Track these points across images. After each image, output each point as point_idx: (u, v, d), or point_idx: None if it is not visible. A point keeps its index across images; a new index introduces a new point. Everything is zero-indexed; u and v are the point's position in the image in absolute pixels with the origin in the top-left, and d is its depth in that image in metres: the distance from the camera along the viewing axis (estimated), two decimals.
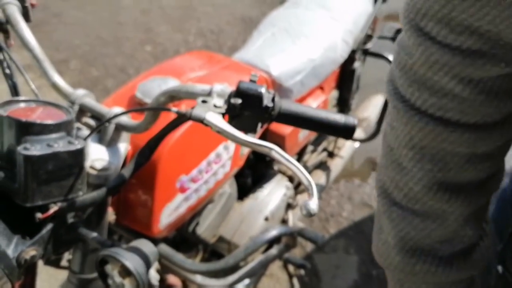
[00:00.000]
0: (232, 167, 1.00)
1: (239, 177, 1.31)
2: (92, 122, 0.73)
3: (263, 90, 0.59)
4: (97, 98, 0.76)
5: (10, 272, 0.54)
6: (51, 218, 0.61)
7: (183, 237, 1.14)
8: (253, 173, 1.37)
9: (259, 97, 0.59)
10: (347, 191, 1.94)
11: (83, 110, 0.74)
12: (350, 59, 1.48)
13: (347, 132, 0.61)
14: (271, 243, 1.24)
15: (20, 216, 0.58)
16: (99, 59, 3.10)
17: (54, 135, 0.57)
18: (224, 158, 0.95)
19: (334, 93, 1.63)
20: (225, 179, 1.00)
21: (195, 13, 3.57)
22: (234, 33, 3.31)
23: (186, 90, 0.61)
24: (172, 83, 0.89)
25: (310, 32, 1.30)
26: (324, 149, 1.76)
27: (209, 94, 0.60)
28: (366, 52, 1.56)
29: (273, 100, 0.60)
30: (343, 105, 1.70)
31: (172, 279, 1.14)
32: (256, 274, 1.14)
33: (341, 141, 1.83)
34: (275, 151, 0.57)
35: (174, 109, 0.58)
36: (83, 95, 0.74)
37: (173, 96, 0.62)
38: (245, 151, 1.08)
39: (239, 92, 0.59)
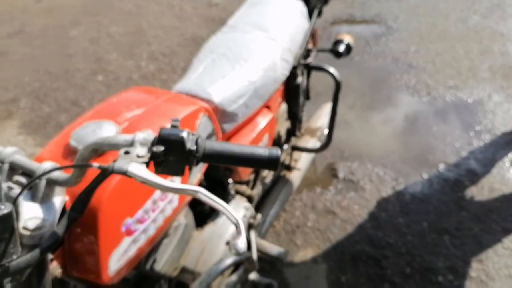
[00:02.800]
0: (180, 201, 1.00)
1: (196, 205, 1.31)
2: (23, 179, 0.71)
3: (184, 134, 0.60)
4: (50, 136, 0.74)
5: None
6: None
7: (143, 276, 1.13)
8: None
9: (181, 142, 0.59)
10: (310, 200, 1.98)
11: (13, 168, 0.72)
12: (293, 75, 1.52)
13: (271, 164, 0.63)
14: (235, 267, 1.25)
15: None
16: (50, 94, 3.03)
17: None
18: (170, 194, 0.95)
19: (285, 108, 1.67)
20: (175, 214, 1.00)
21: (145, 38, 3.56)
22: (186, 54, 3.31)
23: (108, 143, 0.61)
24: (107, 126, 0.89)
25: (248, 55, 1.32)
26: (281, 163, 1.78)
27: (131, 144, 0.60)
28: (307, 67, 1.61)
29: (196, 142, 0.61)
30: (293, 118, 1.74)
31: None
32: None
33: (297, 154, 1.86)
34: (201, 193, 0.58)
35: (96, 164, 0.58)
36: (12, 153, 0.73)
37: (96, 149, 0.62)
38: (194, 181, 1.08)
39: (161, 139, 0.60)
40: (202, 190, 0.58)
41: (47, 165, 0.70)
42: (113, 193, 0.81)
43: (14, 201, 0.64)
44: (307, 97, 1.94)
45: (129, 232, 0.86)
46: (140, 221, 0.88)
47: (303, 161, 1.86)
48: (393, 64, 2.84)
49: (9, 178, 0.72)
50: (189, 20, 3.77)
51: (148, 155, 0.59)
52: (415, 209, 1.89)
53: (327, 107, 2.12)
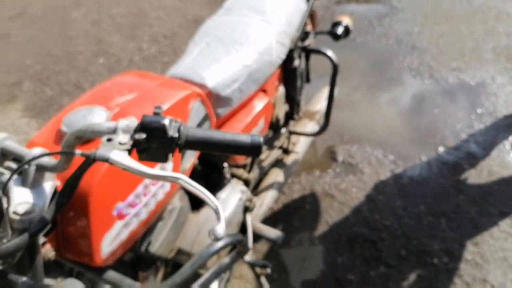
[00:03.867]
0: (172, 186, 1.02)
1: None
2: (14, 165, 0.73)
3: (166, 121, 0.61)
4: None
5: None
6: None
7: (140, 257, 1.15)
8: (207, 182, 1.39)
9: (163, 129, 0.60)
10: (308, 183, 1.99)
11: (4, 154, 0.74)
12: (290, 58, 1.51)
13: (254, 150, 0.64)
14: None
15: None
16: (52, 77, 3.04)
17: None
18: None
19: (282, 91, 1.66)
20: (167, 198, 1.02)
21: (146, 19, 3.53)
22: (188, 36, 3.28)
23: (91, 130, 0.62)
24: (98, 112, 0.90)
25: (244, 39, 1.32)
26: (279, 147, 1.79)
27: (114, 131, 0.61)
28: (305, 50, 1.59)
29: (179, 129, 0.62)
30: (291, 101, 1.73)
31: None
32: (211, 284, 1.17)
33: (295, 137, 1.86)
34: (182, 179, 0.59)
35: (79, 152, 0.59)
36: (3, 139, 0.74)
37: (79, 137, 0.63)
38: (187, 166, 1.09)
39: (143, 126, 0.61)
40: (183, 176, 0.59)
41: (36, 151, 0.71)
42: (104, 178, 0.83)
43: (4, 187, 0.66)
44: (307, 79, 1.93)
45: (120, 216, 0.88)
46: (131, 205, 0.90)
47: (301, 144, 1.86)
48: (396, 46, 2.80)
49: (1, 164, 0.73)
50: (191, 1, 3.72)
51: (131, 142, 0.60)
52: (412, 192, 1.89)
53: (327, 91, 2.11)
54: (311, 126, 1.89)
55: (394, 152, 2.09)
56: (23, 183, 0.72)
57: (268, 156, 1.72)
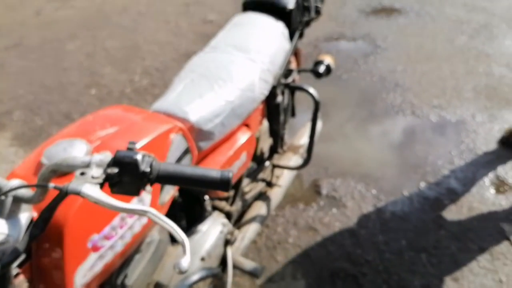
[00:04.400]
0: (149, 219, 1.03)
1: (172, 220, 1.34)
2: None
3: (139, 157, 0.63)
4: None
5: None
6: None
7: None
8: (188, 215, 1.40)
9: (135, 164, 0.63)
10: (292, 216, 2.00)
11: None
12: (273, 94, 1.57)
13: (223, 185, 0.67)
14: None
15: None
16: (43, 107, 3.08)
17: None
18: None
19: (266, 126, 1.71)
20: (144, 230, 1.03)
21: (139, 53, 3.62)
22: (179, 69, 3.35)
23: (66, 164, 0.65)
24: (79, 145, 0.92)
25: (227, 75, 1.37)
26: (263, 180, 1.81)
27: (88, 165, 0.64)
28: (288, 86, 1.65)
29: (151, 165, 0.65)
30: (275, 136, 1.78)
31: None
32: None
33: (278, 170, 1.90)
34: (150, 213, 0.62)
35: (52, 185, 0.62)
36: None
37: (55, 170, 0.66)
38: (166, 199, 1.11)
39: (116, 161, 0.63)
40: (151, 210, 0.61)
41: (13, 183, 0.73)
42: (80, 210, 0.84)
43: None
44: (292, 114, 1.99)
45: (95, 248, 0.89)
46: (107, 237, 0.91)
47: (285, 178, 1.89)
48: (380, 83, 2.89)
49: None
50: (184, 36, 3.84)
51: (103, 176, 0.63)
52: (394, 227, 1.91)
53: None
54: (295, 160, 1.93)
55: (377, 187, 2.13)
56: None
57: (251, 189, 1.74)
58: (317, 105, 1.64)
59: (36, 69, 3.59)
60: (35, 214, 0.78)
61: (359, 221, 1.95)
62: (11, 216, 0.74)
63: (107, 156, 0.65)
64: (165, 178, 0.66)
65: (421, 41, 3.32)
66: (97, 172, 0.63)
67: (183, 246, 0.60)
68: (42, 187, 0.66)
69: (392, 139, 2.44)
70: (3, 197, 0.73)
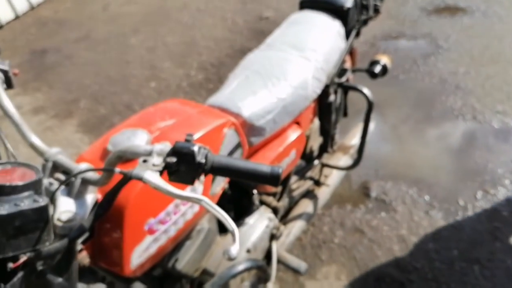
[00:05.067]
0: (201, 207, 1.08)
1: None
2: (62, 177, 0.83)
3: (195, 148, 0.68)
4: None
5: None
6: (22, 267, 0.70)
7: (167, 273, 1.21)
8: (236, 207, 1.45)
9: (191, 155, 0.67)
10: (339, 217, 1.99)
11: (56, 166, 0.84)
12: (325, 93, 1.57)
13: (273, 180, 0.69)
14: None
15: None
16: (107, 97, 3.28)
17: (22, 194, 0.66)
18: None
19: (317, 124, 1.72)
20: (196, 218, 1.08)
21: (196, 48, 3.74)
22: (233, 65, 3.41)
23: (131, 151, 0.70)
24: (140, 134, 0.99)
25: (281, 73, 1.39)
26: (311, 178, 1.82)
27: (150, 154, 0.69)
28: (341, 86, 1.64)
29: (206, 156, 0.69)
30: (325, 135, 1.77)
31: None
32: None
33: (327, 170, 1.89)
34: (204, 201, 0.66)
35: (118, 170, 0.67)
36: (56, 153, 0.84)
37: (120, 156, 0.71)
38: (217, 190, 1.16)
39: (174, 151, 0.68)
40: (204, 199, 0.65)
41: (82, 166, 0.81)
42: (139, 195, 0.91)
43: (52, 196, 0.75)
44: (344, 114, 1.97)
45: (151, 231, 0.95)
46: (162, 222, 0.97)
47: (333, 177, 1.88)
48: (440, 85, 2.77)
49: (51, 175, 0.83)
50: (240, 32, 3.90)
51: (163, 164, 0.68)
52: (447, 235, 1.84)
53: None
54: (345, 160, 1.92)
55: (430, 193, 2.05)
56: (69, 193, 0.81)
57: (299, 186, 1.75)
58: (370, 105, 1.62)
59: (101, 61, 3.83)
60: (99, 196, 0.85)
61: (409, 227, 1.90)
62: (79, 197, 0.81)
63: (167, 146, 0.70)
64: (218, 170, 0.69)
65: (487, 43, 3.12)
66: (157, 160, 0.68)
67: (233, 234, 0.63)
68: (109, 171, 0.72)
69: (450, 144, 2.33)
70: (73, 179, 0.80)
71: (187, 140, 0.69)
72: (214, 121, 1.11)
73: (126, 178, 0.68)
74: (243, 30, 3.93)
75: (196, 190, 1.05)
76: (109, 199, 0.75)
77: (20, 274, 0.69)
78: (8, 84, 0.94)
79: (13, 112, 0.86)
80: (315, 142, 1.81)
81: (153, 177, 0.65)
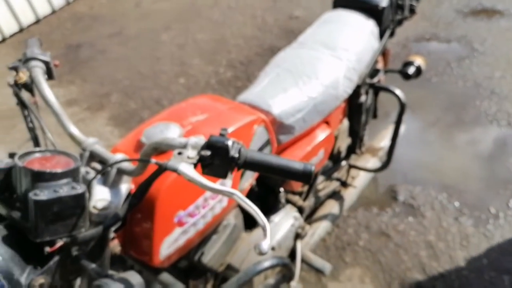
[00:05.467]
0: (229, 202, 1.09)
1: None
2: (99, 166, 0.85)
3: (229, 142, 0.68)
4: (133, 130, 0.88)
5: None
6: (58, 251, 0.72)
7: (192, 266, 1.23)
8: (262, 205, 1.45)
9: (226, 149, 0.68)
10: (364, 219, 1.96)
11: (92, 156, 0.86)
12: (356, 93, 1.55)
13: (305, 177, 0.69)
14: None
15: (32, 250, 0.70)
16: (137, 92, 3.35)
17: (61, 181, 0.69)
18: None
19: (346, 125, 1.70)
20: (224, 213, 1.09)
21: (226, 46, 3.76)
22: (262, 63, 3.43)
23: (166, 143, 0.72)
24: (173, 128, 1.01)
25: (312, 72, 1.38)
26: (338, 179, 1.80)
27: (184, 146, 0.70)
28: (373, 86, 1.62)
29: (239, 151, 0.69)
30: (354, 136, 1.76)
31: None
32: None
33: (355, 171, 1.87)
34: (236, 195, 0.66)
35: (154, 160, 0.69)
36: (93, 143, 0.87)
37: (156, 148, 0.73)
38: (245, 186, 1.17)
39: (209, 144, 0.69)
40: (237, 193, 0.65)
41: (118, 156, 0.83)
42: (170, 187, 0.92)
43: (88, 184, 0.78)
44: (374, 116, 1.94)
45: (180, 224, 0.97)
46: (191, 215, 0.99)
47: (360, 179, 1.86)
48: (474, 89, 2.69)
49: (88, 164, 0.86)
50: (269, 31, 3.90)
51: (197, 157, 0.69)
52: (476, 243, 1.79)
53: (392, 128, 2.09)
54: (373, 162, 1.89)
55: (460, 199, 2.00)
56: (104, 182, 0.84)
57: (325, 186, 1.74)
58: (402, 107, 1.59)
59: (133, 57, 3.91)
60: (133, 186, 0.87)
61: (437, 233, 1.86)
62: (114, 186, 0.84)
63: (201, 139, 0.71)
64: (251, 165, 0.70)
65: None
66: (192, 153, 0.69)
67: (264, 229, 0.63)
68: (144, 162, 0.74)
69: (482, 150, 2.26)
70: (109, 168, 0.82)
71: (221, 134, 0.70)
72: (245, 118, 1.12)
73: (161, 169, 0.70)
74: (273, 29, 3.93)
75: (226, 184, 1.06)
76: (143, 189, 0.77)
77: (56, 258, 0.71)
78: (49, 75, 0.97)
79: (54, 102, 0.89)
80: (343, 143, 1.79)
81: (188, 169, 0.67)
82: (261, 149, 1.20)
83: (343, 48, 1.48)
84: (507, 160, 2.18)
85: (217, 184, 0.66)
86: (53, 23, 4.91)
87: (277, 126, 1.27)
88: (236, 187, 1.11)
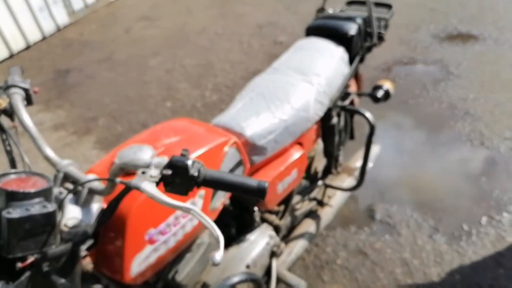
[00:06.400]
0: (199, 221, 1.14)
1: (224, 227, 1.45)
2: (71, 186, 0.90)
3: (189, 162, 0.74)
4: None
5: None
6: (29, 267, 0.76)
7: (166, 284, 1.26)
8: (238, 224, 1.50)
9: (185, 168, 0.74)
10: (343, 238, 2.01)
11: (66, 177, 0.91)
12: (328, 116, 1.62)
13: (259, 193, 0.75)
14: None
15: (5, 265, 0.74)
16: (125, 116, 3.41)
17: (33, 201, 0.74)
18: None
19: (321, 146, 1.77)
20: (195, 231, 1.14)
21: (212, 70, 3.86)
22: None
23: (132, 164, 0.78)
24: (146, 150, 1.06)
25: (284, 96, 1.46)
26: (314, 198, 1.86)
27: (148, 166, 0.76)
28: (344, 109, 1.70)
29: (199, 170, 0.75)
30: (329, 156, 1.82)
31: None
32: None
33: (331, 191, 1.93)
34: (193, 211, 0.72)
35: (119, 179, 0.74)
36: (67, 165, 0.92)
37: (123, 168, 0.79)
38: (217, 205, 1.22)
39: (170, 164, 0.75)
40: (194, 208, 0.71)
41: (89, 177, 0.88)
42: (141, 206, 0.97)
43: (60, 203, 0.83)
44: (351, 137, 2.02)
45: (151, 241, 1.01)
46: (162, 232, 1.03)
47: (337, 198, 1.92)
48: (448, 110, 2.80)
49: (62, 184, 0.90)
50: (255, 56, 4.02)
51: (159, 176, 0.74)
52: (450, 260, 1.84)
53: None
54: (349, 182, 1.95)
55: (435, 217, 2.06)
56: (76, 202, 0.89)
57: (302, 206, 1.79)
58: (372, 128, 1.67)
59: (121, 81, 3.99)
60: (104, 206, 0.92)
61: (412, 250, 1.91)
62: (85, 205, 0.88)
63: (164, 159, 0.77)
64: (209, 182, 0.76)
65: (498, 70, 3.14)
66: (155, 172, 0.75)
67: (218, 241, 0.69)
68: (111, 181, 0.80)
69: (456, 169, 2.34)
70: (80, 188, 0.88)
71: (182, 155, 0.76)
72: (216, 139, 1.18)
73: (127, 188, 0.75)
74: (258, 54, 4.05)
75: (196, 203, 1.11)
76: (112, 207, 0.82)
77: (27, 274, 0.76)
78: (29, 101, 1.03)
79: (31, 127, 0.95)
80: (320, 163, 1.86)
81: (149, 187, 0.72)
82: (233, 169, 1.25)
83: (314, 73, 1.57)
84: (480, 178, 2.26)
85: (175, 200, 0.71)
86: (43, 49, 5.00)
87: (250, 147, 1.33)
88: (207, 206, 1.16)
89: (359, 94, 1.81)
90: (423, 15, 4.15)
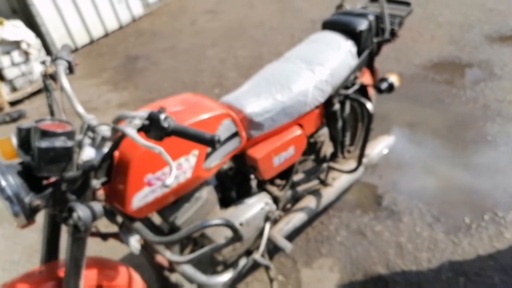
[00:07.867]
0: (193, 175, 1.40)
1: (225, 190, 1.71)
2: (91, 135, 1.21)
3: (162, 116, 1.00)
4: None
5: (25, 211, 1.01)
6: (52, 185, 1.08)
7: (172, 228, 1.55)
8: (239, 189, 1.74)
9: (158, 120, 1.00)
10: (347, 219, 2.17)
11: (89, 127, 1.23)
12: (330, 102, 1.80)
13: (210, 143, 0.98)
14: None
15: (35, 182, 1.06)
16: None
17: (59, 138, 1.05)
18: (185, 167, 1.35)
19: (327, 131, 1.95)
20: (188, 183, 1.40)
21: (261, 61, 4.11)
22: None
23: (125, 115, 1.06)
24: None
25: (285, 81, 1.67)
26: (318, 178, 2.04)
27: (134, 117, 1.03)
28: (346, 97, 1.85)
29: (169, 123, 1.01)
30: (334, 141, 1.99)
31: (160, 258, 1.56)
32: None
33: (336, 174, 2.09)
34: (158, 149, 0.98)
35: (111, 124, 1.03)
36: (91, 119, 1.23)
37: (119, 118, 1.07)
38: (211, 165, 1.47)
39: (149, 117, 1.01)
40: (161, 149, 0.97)
41: (103, 127, 1.18)
42: (143, 154, 1.25)
43: (79, 144, 1.13)
44: (368, 127, 2.15)
45: (149, 184, 1.29)
46: (159, 178, 1.31)
47: (340, 180, 2.07)
48: (481, 111, 2.78)
49: (85, 133, 1.22)
50: None
51: (140, 125, 1.02)
52: (443, 248, 1.92)
53: (383, 139, 2.29)
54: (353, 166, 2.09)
55: (440, 209, 2.13)
56: (93, 145, 1.19)
57: (305, 183, 1.98)
58: (370, 118, 1.81)
59: (180, 68, 4.40)
60: None
61: (409, 236, 2.01)
62: (99, 148, 1.18)
63: (146, 113, 1.04)
64: (176, 132, 1.01)
65: None
66: (138, 122, 1.02)
67: (170, 168, 0.94)
68: (108, 126, 1.09)
69: (473, 167, 2.36)
70: (96, 134, 1.18)
71: (159, 111, 1.03)
72: (215, 112, 1.43)
73: (122, 135, 1.04)
74: None
75: (189, 160, 1.37)
76: (111, 149, 1.12)
77: (50, 189, 1.07)
78: (71, 70, 1.36)
79: (68, 89, 1.28)
80: (329, 148, 2.04)
81: (131, 131, 1.00)
82: (229, 138, 1.50)
83: (318, 63, 1.75)
84: (495, 177, 2.26)
85: (144, 140, 0.98)
86: (119, 37, 5.62)
87: (248, 123, 1.56)
88: (200, 164, 1.42)
89: (365, 86, 1.95)
90: (480, 15, 4.03)
